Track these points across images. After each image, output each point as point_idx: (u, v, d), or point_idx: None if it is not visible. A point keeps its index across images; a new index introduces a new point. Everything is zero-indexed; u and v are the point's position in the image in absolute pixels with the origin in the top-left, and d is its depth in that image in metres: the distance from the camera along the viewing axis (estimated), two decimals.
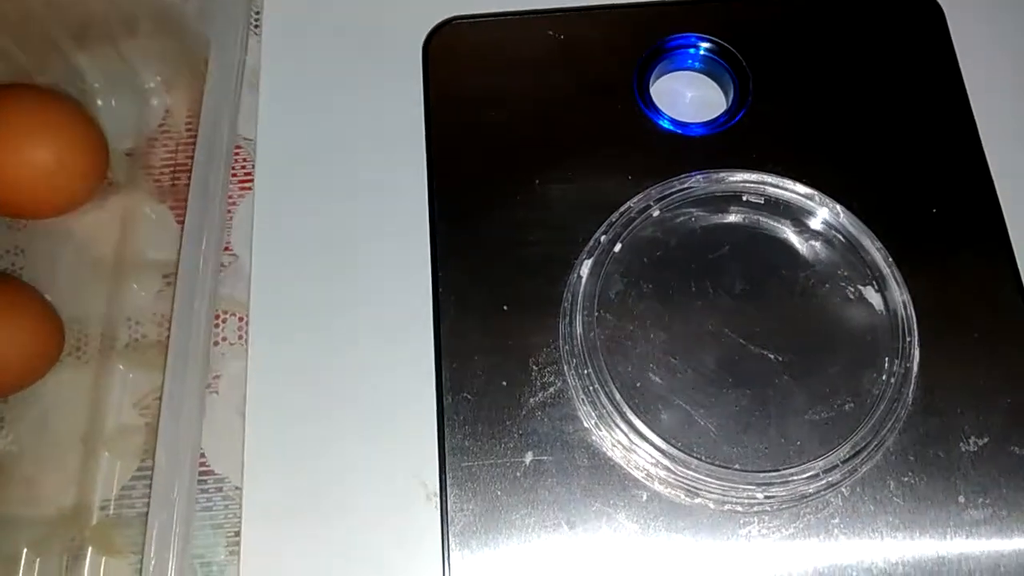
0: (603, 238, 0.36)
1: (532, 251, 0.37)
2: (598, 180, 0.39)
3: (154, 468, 0.33)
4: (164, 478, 0.33)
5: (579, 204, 0.38)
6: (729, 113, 0.41)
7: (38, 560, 0.35)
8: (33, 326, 0.37)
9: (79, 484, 0.37)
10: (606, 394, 0.33)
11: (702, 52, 0.42)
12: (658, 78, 0.42)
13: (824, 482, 0.32)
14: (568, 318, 0.35)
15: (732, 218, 0.38)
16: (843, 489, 0.33)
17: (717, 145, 0.40)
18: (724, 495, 0.33)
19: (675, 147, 0.40)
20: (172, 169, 0.44)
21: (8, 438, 0.38)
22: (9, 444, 0.38)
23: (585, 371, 0.34)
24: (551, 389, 0.35)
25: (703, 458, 0.33)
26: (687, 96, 0.43)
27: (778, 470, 0.33)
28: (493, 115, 0.40)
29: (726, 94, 0.42)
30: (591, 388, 0.33)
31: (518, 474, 0.34)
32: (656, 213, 0.37)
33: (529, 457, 0.34)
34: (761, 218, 0.38)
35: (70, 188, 0.39)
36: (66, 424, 0.38)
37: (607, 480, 0.34)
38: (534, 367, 0.35)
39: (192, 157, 0.43)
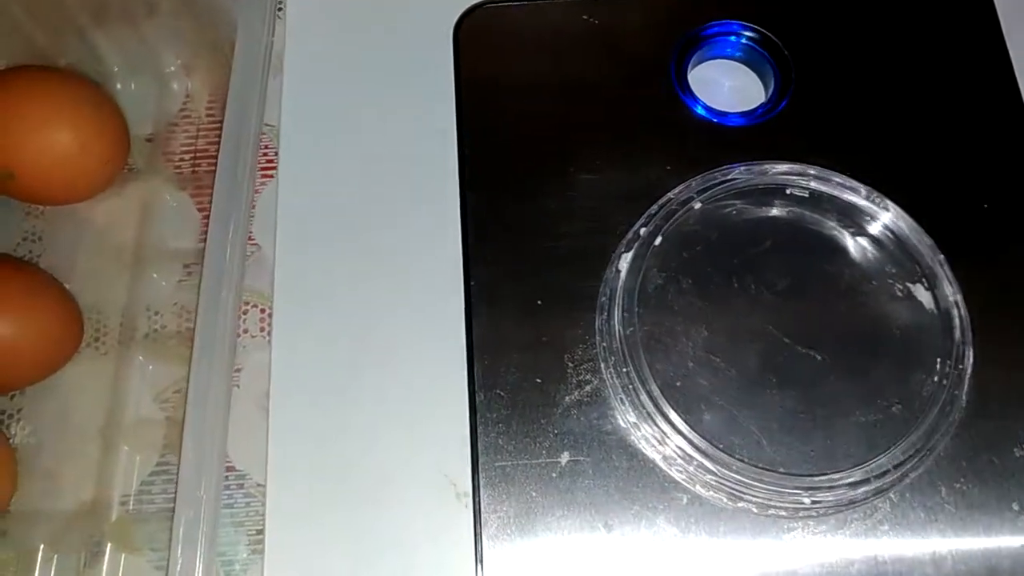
0: (643, 231, 0.35)
1: (567, 243, 0.36)
2: (634, 170, 0.38)
3: (180, 463, 0.32)
4: (190, 474, 0.32)
5: (615, 195, 0.37)
6: (770, 103, 0.40)
7: (56, 556, 0.35)
8: (51, 315, 0.37)
9: (98, 478, 0.36)
10: (647, 393, 0.32)
11: (743, 40, 0.41)
12: (696, 66, 0.41)
13: (873, 487, 0.32)
14: (606, 313, 0.34)
15: (776, 212, 0.37)
16: (892, 495, 0.33)
17: (757, 137, 0.39)
18: (768, 499, 0.32)
19: (713, 138, 0.39)
20: (193, 156, 0.43)
21: (26, 430, 0.37)
22: (27, 436, 0.37)
23: (624, 369, 0.33)
24: (587, 387, 0.34)
25: (747, 461, 0.32)
26: (725, 86, 0.42)
27: (825, 474, 0.32)
28: (526, 102, 0.39)
29: (765, 84, 0.41)
30: (630, 387, 0.33)
31: (554, 475, 0.33)
32: (698, 205, 0.36)
33: (565, 457, 0.33)
34: (805, 212, 0.37)
35: (90, 174, 0.38)
36: (85, 417, 0.38)
37: (646, 482, 0.33)
38: (569, 364, 0.34)
39: (214, 143, 0.43)
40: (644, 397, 0.32)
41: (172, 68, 0.44)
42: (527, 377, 0.34)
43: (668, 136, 0.39)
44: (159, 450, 0.37)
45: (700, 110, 0.39)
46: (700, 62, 0.41)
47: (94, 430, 0.37)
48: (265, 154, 0.42)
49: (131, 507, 0.36)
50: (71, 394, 0.38)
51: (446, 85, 0.40)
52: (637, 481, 0.33)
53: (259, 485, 0.36)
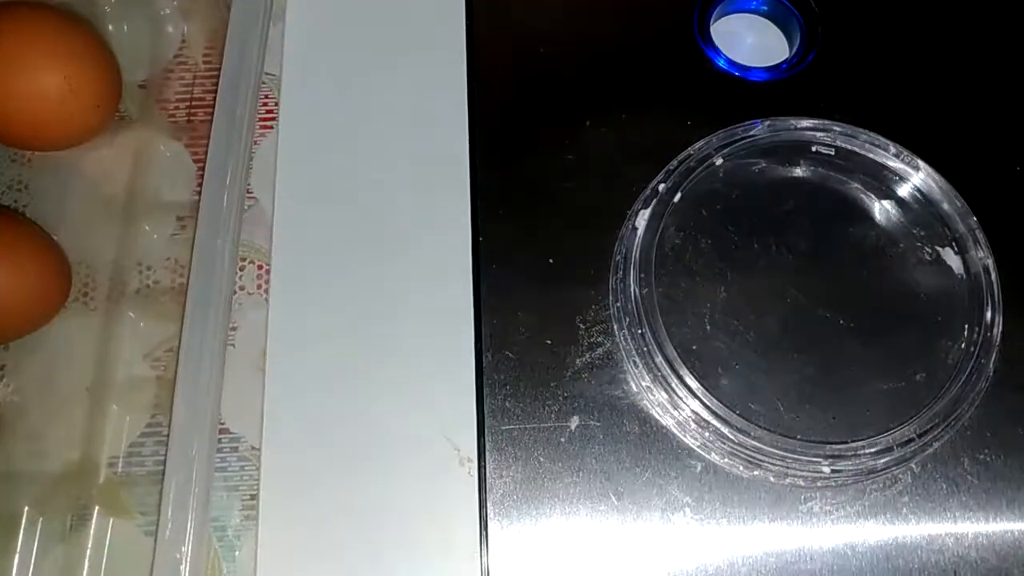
0: (661, 187, 0.34)
1: (581, 199, 0.35)
2: (654, 125, 0.37)
3: (171, 424, 0.32)
4: (182, 435, 0.31)
5: (633, 150, 0.36)
6: (795, 58, 0.39)
7: (41, 520, 0.34)
8: (38, 268, 0.36)
9: (85, 439, 0.36)
10: (662, 356, 0.31)
11: None
12: (718, 19, 0.40)
13: (894, 457, 0.31)
14: (620, 273, 0.33)
15: (800, 170, 0.36)
16: (913, 465, 0.32)
17: (781, 92, 0.38)
18: (786, 468, 0.31)
19: (736, 93, 0.38)
20: (188, 104, 0.42)
21: (9, 387, 0.36)
22: (11, 394, 0.36)
23: (638, 331, 0.32)
24: (599, 350, 0.33)
25: (765, 427, 0.31)
26: (747, 41, 0.41)
27: (846, 442, 0.31)
28: (541, 51, 0.38)
29: (790, 39, 0.40)
30: (644, 350, 0.32)
31: (563, 439, 0.32)
32: (719, 162, 0.35)
33: (575, 422, 0.32)
34: (831, 171, 0.36)
35: (80, 118, 0.37)
36: (72, 375, 0.37)
37: (659, 449, 0.32)
38: (581, 326, 0.34)
39: (211, 92, 0.41)
40: (659, 360, 0.31)
41: (167, 10, 0.43)
42: (536, 339, 0.33)
43: (689, 91, 0.38)
44: (150, 410, 0.36)
45: (722, 64, 0.38)
46: (723, 15, 0.40)
47: (81, 389, 0.36)
48: (265, 104, 0.41)
49: (120, 469, 0.35)
50: (57, 351, 0.37)
51: (457, 34, 0.39)
52: (649, 447, 0.32)
53: (254, 448, 0.35)
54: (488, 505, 0.32)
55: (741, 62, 0.39)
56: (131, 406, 0.36)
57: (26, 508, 0.34)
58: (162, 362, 0.37)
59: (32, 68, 0.35)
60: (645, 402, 0.33)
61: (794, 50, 0.39)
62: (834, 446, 0.31)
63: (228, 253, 0.34)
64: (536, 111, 0.37)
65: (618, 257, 0.34)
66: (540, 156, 0.36)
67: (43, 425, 0.36)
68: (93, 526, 0.34)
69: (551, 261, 0.34)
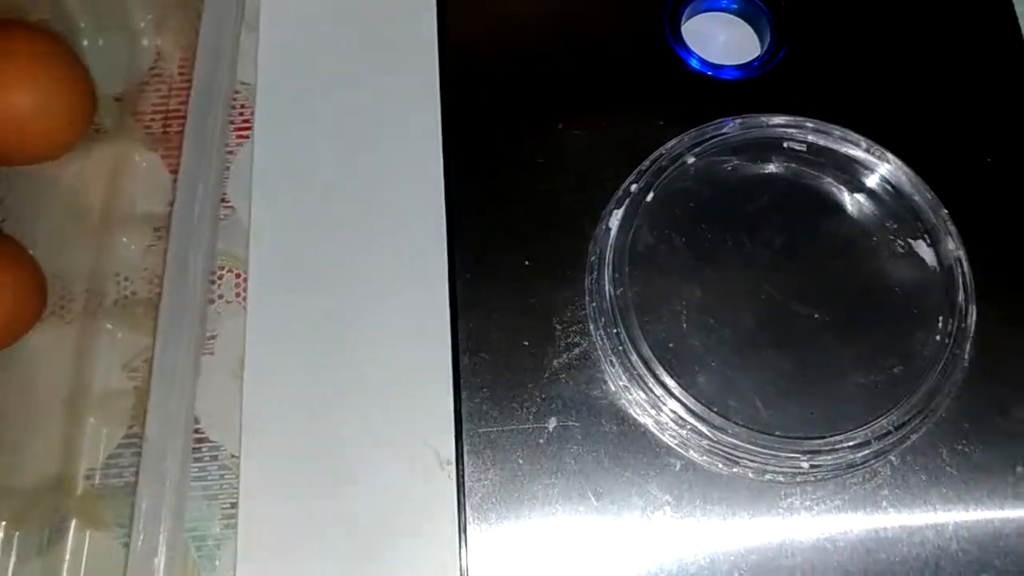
0: (633, 187, 0.34)
1: (556, 200, 0.35)
2: (626, 125, 0.37)
3: (144, 435, 0.31)
4: (155, 446, 0.31)
5: (606, 151, 0.36)
6: (766, 56, 0.39)
7: (17, 534, 0.34)
8: (13, 281, 0.35)
9: (62, 452, 0.35)
10: (638, 355, 0.31)
11: None
12: (690, 18, 0.40)
13: (873, 450, 0.31)
14: (596, 273, 0.33)
15: (772, 167, 0.36)
16: (892, 458, 0.32)
17: (753, 90, 0.38)
18: (765, 464, 0.31)
19: (708, 91, 0.38)
20: (164, 116, 0.42)
21: None
22: None
23: (614, 331, 0.32)
24: (576, 350, 0.33)
25: (743, 424, 0.31)
26: (719, 39, 0.41)
27: (824, 437, 0.31)
28: (513, 52, 0.38)
29: (761, 37, 0.40)
30: (621, 349, 0.31)
31: (541, 441, 0.32)
32: (691, 160, 0.35)
33: (553, 423, 0.32)
34: (803, 167, 0.36)
35: (55, 135, 0.37)
36: (48, 387, 0.36)
37: (638, 448, 0.32)
38: (558, 326, 0.33)
39: (187, 103, 0.41)
40: (635, 359, 0.31)
41: (142, 24, 0.42)
42: (513, 340, 0.33)
43: (661, 90, 0.38)
44: (127, 422, 0.36)
45: (694, 63, 0.38)
46: (694, 14, 0.40)
47: (58, 401, 0.36)
48: (241, 114, 0.41)
49: (97, 481, 0.35)
50: (34, 364, 0.37)
51: (430, 35, 0.39)
52: (628, 447, 0.32)
53: (233, 457, 0.35)
54: (467, 508, 0.31)
55: (713, 61, 0.39)
56: (109, 418, 0.36)
57: (2, 523, 0.34)
58: (140, 373, 0.37)
59: (5, 86, 0.35)
60: (623, 401, 0.32)
61: (765, 47, 0.39)
62: (812, 441, 0.31)
63: (201, 263, 0.34)
64: (509, 113, 0.37)
65: (592, 257, 0.34)
66: (513, 158, 0.36)
67: (19, 438, 0.35)
68: (71, 539, 0.34)
69: (527, 263, 0.34)
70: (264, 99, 0.40)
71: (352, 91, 0.39)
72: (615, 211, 0.34)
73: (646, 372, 0.31)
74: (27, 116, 0.35)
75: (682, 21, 0.39)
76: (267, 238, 0.37)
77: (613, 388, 0.33)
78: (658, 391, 0.31)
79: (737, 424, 0.31)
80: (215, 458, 0.35)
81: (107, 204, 0.39)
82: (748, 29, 0.41)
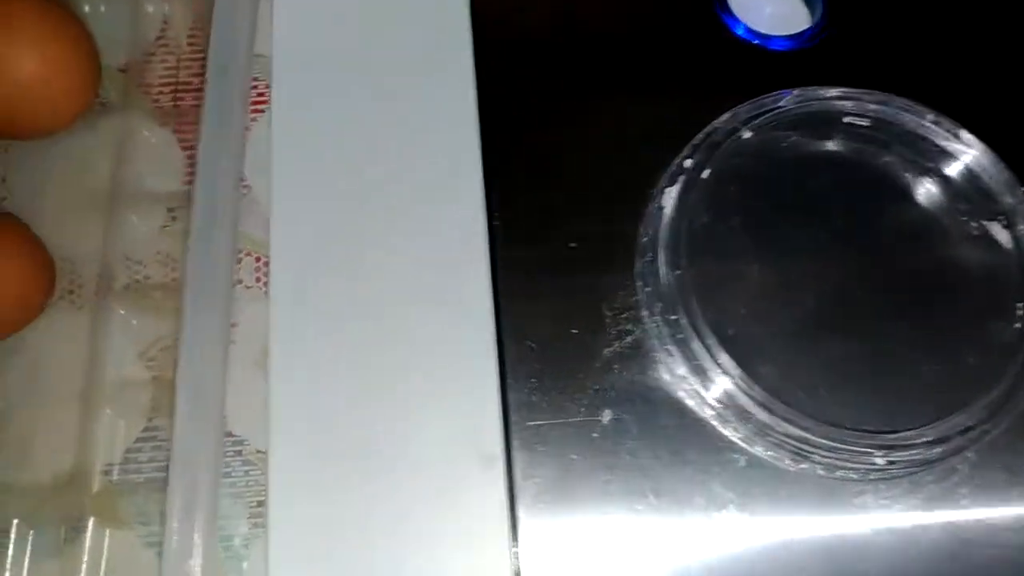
0: (687, 163, 0.32)
1: (600, 179, 0.33)
2: (672, 98, 0.35)
3: (174, 428, 0.29)
4: (186, 439, 0.29)
5: (652, 124, 0.34)
6: (820, 25, 0.36)
7: (32, 533, 0.32)
8: (19, 263, 0.33)
9: (78, 446, 0.33)
10: (700, 342, 0.29)
11: None
12: None
13: (952, 446, 0.29)
14: (649, 256, 0.31)
15: (833, 143, 0.33)
16: (970, 454, 0.30)
17: (804, 62, 0.36)
18: (836, 459, 0.29)
19: (757, 63, 0.36)
20: (174, 88, 0.39)
21: None
22: None
23: (672, 317, 0.30)
24: (629, 338, 0.31)
25: (812, 416, 0.29)
26: (766, 11, 0.38)
27: (899, 431, 0.29)
28: (551, 19, 0.35)
29: (811, 6, 0.38)
30: (679, 336, 0.30)
31: (595, 435, 0.30)
32: (746, 135, 0.32)
33: (607, 416, 0.30)
34: (866, 143, 0.33)
35: (60, 102, 0.34)
36: (60, 378, 0.34)
37: (698, 442, 0.30)
38: (608, 313, 0.31)
39: (198, 75, 0.39)
40: (696, 347, 0.29)
41: None
42: (561, 327, 0.31)
43: (708, 62, 0.36)
44: (146, 414, 0.34)
45: (742, 32, 0.36)
46: None
47: (71, 393, 0.34)
48: (255, 87, 0.38)
49: (115, 477, 0.33)
50: (43, 353, 0.34)
51: (462, 3, 0.36)
52: (688, 441, 0.30)
53: (259, 452, 0.33)
54: (518, 507, 0.29)
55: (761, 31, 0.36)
56: (125, 409, 0.34)
57: (15, 521, 0.32)
58: (157, 362, 0.35)
59: (7, 53, 0.32)
60: (681, 393, 0.30)
61: (817, 16, 0.37)
62: (887, 435, 0.29)
63: (225, 245, 0.32)
64: (548, 84, 0.35)
65: (644, 239, 0.32)
66: (555, 134, 0.34)
67: (31, 432, 0.33)
68: (89, 538, 0.32)
69: (572, 245, 0.32)
70: (280, 71, 0.37)
71: (376, 61, 0.37)
72: (668, 189, 0.32)
73: (708, 360, 0.29)
74: (31, 85, 0.33)
75: None
76: (289, 218, 0.35)
77: (670, 378, 0.31)
78: (720, 381, 0.29)
79: (806, 416, 0.29)
80: (239, 453, 0.33)
81: (115, 182, 0.37)
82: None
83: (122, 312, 0.35)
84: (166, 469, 0.32)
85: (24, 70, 0.33)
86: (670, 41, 0.36)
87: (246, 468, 0.33)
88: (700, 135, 0.33)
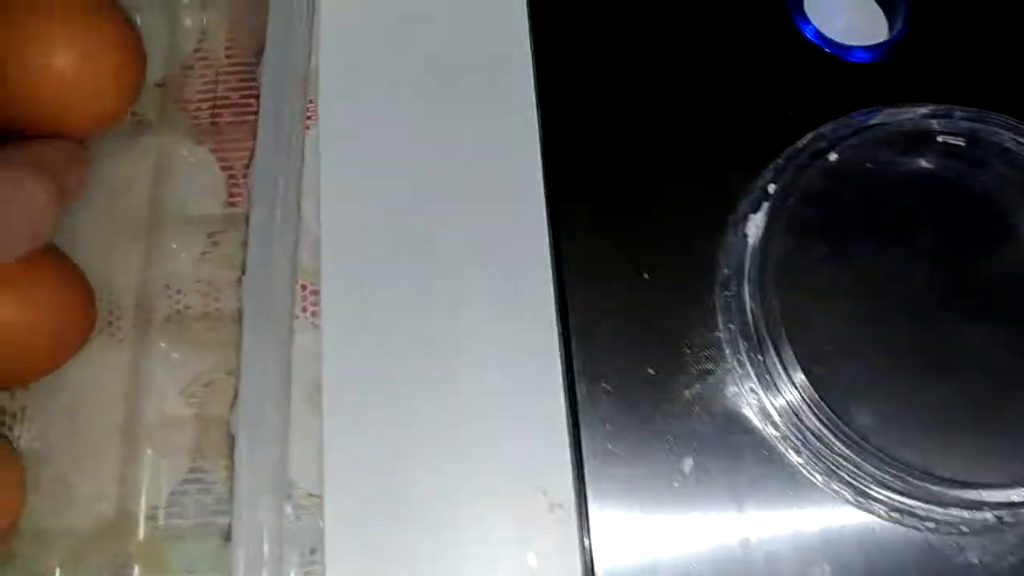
0: (771, 187, 0.29)
1: (672, 202, 0.31)
2: (748, 115, 0.32)
3: (235, 480, 0.27)
4: (248, 491, 0.27)
5: (727, 144, 0.32)
6: (901, 35, 0.34)
7: None
8: (58, 294, 0.31)
9: (120, 488, 0.32)
10: (791, 383, 0.27)
11: None
12: None
13: None
14: (733, 289, 0.28)
15: (925, 163, 0.31)
16: None
17: (887, 75, 0.34)
18: (941, 514, 0.27)
19: (836, 76, 0.34)
20: (212, 104, 0.37)
21: (31, 432, 0.32)
22: (33, 440, 0.32)
23: (758, 356, 0.27)
24: (711, 378, 0.29)
25: (914, 466, 0.27)
26: (842, 21, 0.36)
27: (1010, 486, 0.26)
28: (614, 33, 0.33)
29: (891, 15, 0.35)
30: (767, 378, 0.27)
31: (676, 484, 0.28)
32: (833, 157, 0.30)
33: (688, 464, 0.28)
34: (961, 163, 0.31)
35: (101, 101, 0.32)
36: (100, 415, 0.32)
37: (790, 493, 0.28)
38: (687, 350, 0.29)
39: (236, 90, 0.38)
40: (785, 389, 0.27)
41: (185, 1, 0.38)
42: (636, 367, 0.29)
43: (784, 76, 0.33)
44: (190, 453, 0.32)
45: (818, 44, 0.33)
46: None
47: (112, 431, 0.32)
48: None
49: (161, 522, 0.31)
50: (82, 389, 0.33)
51: (520, 16, 0.34)
52: (779, 491, 0.28)
53: (311, 495, 0.31)
54: (594, 562, 0.27)
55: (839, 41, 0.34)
56: (168, 449, 0.32)
57: (57, 569, 0.30)
58: (198, 399, 0.33)
59: (44, 44, 0.30)
60: (770, 439, 0.28)
61: (898, 26, 0.34)
62: (995, 490, 0.26)
63: (285, 275, 0.30)
64: (613, 101, 0.32)
65: (726, 269, 0.29)
66: (620, 156, 0.32)
67: (72, 473, 0.32)
68: None
69: (645, 275, 0.30)
70: (328, 87, 0.35)
71: (431, 78, 0.35)
72: (751, 215, 0.29)
73: (799, 405, 0.27)
74: (70, 80, 0.31)
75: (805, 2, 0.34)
76: (341, 245, 0.33)
77: (758, 423, 0.28)
78: (812, 427, 0.27)
79: (907, 466, 0.27)
80: (290, 496, 0.31)
81: (153, 204, 0.36)
82: (873, 7, 0.36)
83: (162, 345, 0.33)
84: (214, 514, 0.31)
85: (67, 61, 0.30)
86: (743, 54, 0.33)
87: (298, 512, 0.31)
88: (782, 157, 0.30)
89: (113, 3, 0.33)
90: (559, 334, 0.30)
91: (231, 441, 0.31)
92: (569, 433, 0.29)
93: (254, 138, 0.35)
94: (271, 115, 0.32)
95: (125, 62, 0.32)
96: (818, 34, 0.34)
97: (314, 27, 0.36)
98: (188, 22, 0.38)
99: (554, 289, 0.30)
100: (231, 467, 0.31)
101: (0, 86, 0.30)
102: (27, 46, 0.30)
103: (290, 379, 0.31)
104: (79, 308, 0.32)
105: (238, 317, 0.33)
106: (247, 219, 0.33)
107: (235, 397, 0.30)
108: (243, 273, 0.31)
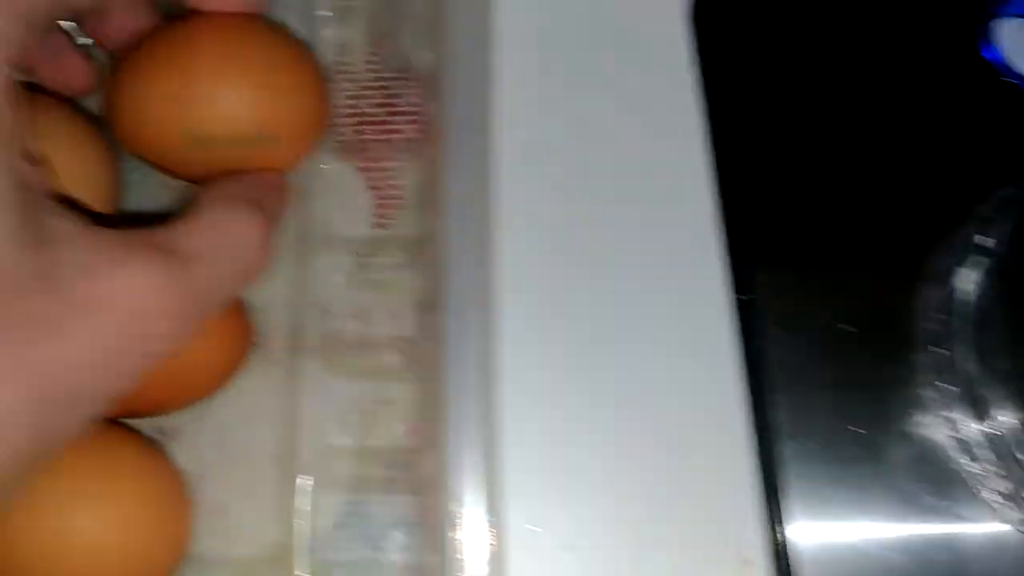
0: (978, 238, 0.28)
1: (869, 249, 0.29)
2: (944, 157, 0.31)
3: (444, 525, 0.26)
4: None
5: (924, 188, 0.30)
6: None
7: None
8: (219, 321, 0.30)
9: (278, 519, 0.31)
10: (1014, 454, 0.25)
11: None
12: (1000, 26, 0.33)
13: None
14: (945, 349, 0.27)
15: None
16: None
17: None
18: None
19: None
20: (356, 119, 0.36)
21: (186, 456, 0.31)
22: (188, 464, 0.31)
23: (978, 424, 0.26)
24: (927, 444, 0.27)
25: None
26: None
27: None
28: (793, 61, 0.31)
29: None
30: (993, 449, 0.26)
31: (891, 554, 0.26)
32: None
33: (899, 535, 0.26)
34: None
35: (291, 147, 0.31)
36: (256, 441, 0.31)
37: (1013, 567, 0.26)
38: (894, 410, 0.28)
39: (381, 105, 0.37)
40: (1014, 463, 0.25)
41: (324, 12, 0.36)
42: (839, 425, 0.27)
43: (975, 112, 0.32)
44: (350, 486, 0.31)
45: (1011, 77, 0.32)
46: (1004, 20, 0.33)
47: (267, 458, 0.31)
48: None
49: (327, 556, 0.30)
50: (237, 412, 0.32)
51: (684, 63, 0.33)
52: (1010, 569, 0.26)
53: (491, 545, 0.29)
54: None
55: None
56: (327, 479, 0.31)
57: None
58: (355, 428, 0.32)
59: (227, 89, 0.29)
60: (999, 517, 0.27)
61: None
62: None
63: (477, 306, 0.29)
64: (794, 142, 0.31)
65: (934, 325, 0.28)
66: (806, 196, 0.30)
67: (229, 500, 0.31)
68: None
69: (848, 329, 0.28)
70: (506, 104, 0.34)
71: (601, 98, 0.33)
72: (961, 269, 0.28)
73: None
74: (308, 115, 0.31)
75: (993, 32, 0.33)
76: (516, 275, 0.31)
77: (983, 496, 0.27)
78: None
79: None
80: None
81: (300, 223, 0.34)
82: None
83: (315, 371, 0.32)
84: (375, 550, 0.30)
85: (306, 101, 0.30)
86: (931, 89, 0.32)
87: None
88: (989, 205, 0.29)
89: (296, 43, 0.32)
90: (748, 386, 0.29)
91: (391, 474, 0.31)
92: (765, 491, 0.27)
93: (401, 156, 0.34)
94: (454, 135, 0.30)
95: (316, 106, 0.32)
96: (1010, 68, 0.32)
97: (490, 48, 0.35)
98: (327, 33, 0.37)
99: (741, 340, 0.29)
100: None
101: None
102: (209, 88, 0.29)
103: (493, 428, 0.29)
104: (237, 325, 0.31)
105: (393, 344, 0.32)
106: (398, 241, 0.33)
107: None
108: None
